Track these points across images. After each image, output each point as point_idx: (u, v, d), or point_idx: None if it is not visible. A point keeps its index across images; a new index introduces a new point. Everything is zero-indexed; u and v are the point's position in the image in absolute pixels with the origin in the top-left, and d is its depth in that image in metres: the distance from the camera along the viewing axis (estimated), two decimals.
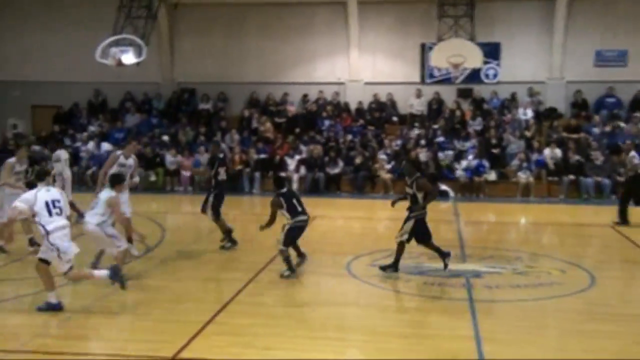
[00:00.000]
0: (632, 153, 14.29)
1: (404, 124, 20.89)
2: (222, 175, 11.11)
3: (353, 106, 21.60)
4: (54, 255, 7.65)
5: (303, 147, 19.69)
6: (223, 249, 11.06)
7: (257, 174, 18.97)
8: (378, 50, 21.88)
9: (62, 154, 13.34)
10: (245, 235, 11.64)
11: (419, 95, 21.32)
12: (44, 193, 7.77)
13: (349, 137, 20.21)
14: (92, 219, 8.76)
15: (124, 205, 9.89)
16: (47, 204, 7.67)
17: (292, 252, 9.57)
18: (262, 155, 19.45)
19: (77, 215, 11.72)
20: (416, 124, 20.53)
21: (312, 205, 17.20)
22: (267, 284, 9.24)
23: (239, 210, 15.11)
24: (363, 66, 21.91)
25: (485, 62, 20.21)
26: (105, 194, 8.90)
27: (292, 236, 9.44)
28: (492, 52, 20.65)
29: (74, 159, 17.60)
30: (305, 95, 21.78)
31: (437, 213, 16.50)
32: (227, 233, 11.16)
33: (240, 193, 18.36)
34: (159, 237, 12.16)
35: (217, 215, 11.05)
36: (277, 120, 21.17)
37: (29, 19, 22.26)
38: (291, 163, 19.19)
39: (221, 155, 11.71)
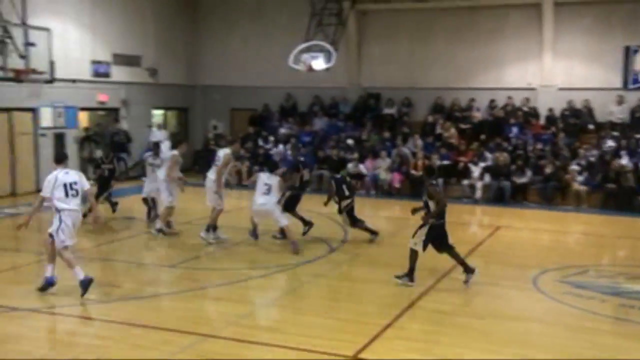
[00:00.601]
0: None
1: (601, 132, 19.37)
2: (306, 176, 12.69)
3: (543, 113, 20.49)
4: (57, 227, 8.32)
5: (488, 155, 19.04)
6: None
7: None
8: (574, 54, 20.52)
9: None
10: None
11: (620, 101, 19.65)
12: (63, 175, 8.44)
13: (539, 145, 19.19)
14: (271, 199, 10.92)
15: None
16: (65, 185, 8.36)
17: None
18: (445, 162, 19.14)
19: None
20: (616, 133, 18.93)
21: (497, 214, 16.87)
22: (448, 292, 9.07)
23: None
24: (557, 71, 20.66)
25: None
26: (274, 179, 11.05)
27: (353, 215, 11.78)
28: None
29: (266, 159, 18.54)
30: (492, 101, 21.08)
31: (637, 231, 15.15)
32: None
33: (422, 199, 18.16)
34: (341, 238, 12.41)
35: (288, 211, 11.87)
36: (461, 126, 20.72)
37: (230, 29, 24.04)
38: (475, 170, 18.65)
39: (302, 159, 13.20)
